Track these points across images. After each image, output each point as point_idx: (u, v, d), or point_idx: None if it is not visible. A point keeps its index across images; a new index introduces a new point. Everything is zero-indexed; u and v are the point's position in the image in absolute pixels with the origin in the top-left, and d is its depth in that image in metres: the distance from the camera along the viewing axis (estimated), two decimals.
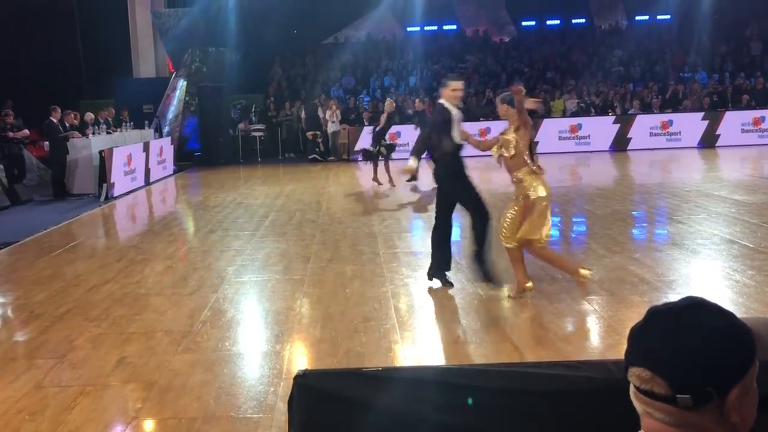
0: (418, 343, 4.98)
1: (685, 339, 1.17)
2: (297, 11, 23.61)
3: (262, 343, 5.11)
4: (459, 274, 6.75)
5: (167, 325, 5.54)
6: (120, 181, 13.72)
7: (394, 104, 14.09)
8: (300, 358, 4.80)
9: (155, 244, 8.89)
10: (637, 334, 1.28)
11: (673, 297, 5.69)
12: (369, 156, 13.81)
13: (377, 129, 13.68)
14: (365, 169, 17.36)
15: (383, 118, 13.64)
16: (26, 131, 13.72)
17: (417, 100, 14.94)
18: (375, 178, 13.81)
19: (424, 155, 6.93)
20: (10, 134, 13.29)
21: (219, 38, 21.04)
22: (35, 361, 4.86)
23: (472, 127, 19.44)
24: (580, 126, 19.38)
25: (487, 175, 15.87)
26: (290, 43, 25.18)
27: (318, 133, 19.81)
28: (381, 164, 13.72)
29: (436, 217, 6.41)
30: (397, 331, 5.17)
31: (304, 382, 1.88)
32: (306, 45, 25.20)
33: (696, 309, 1.23)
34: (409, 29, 25.67)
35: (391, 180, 13.52)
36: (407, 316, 5.56)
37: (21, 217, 11.63)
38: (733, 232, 8.03)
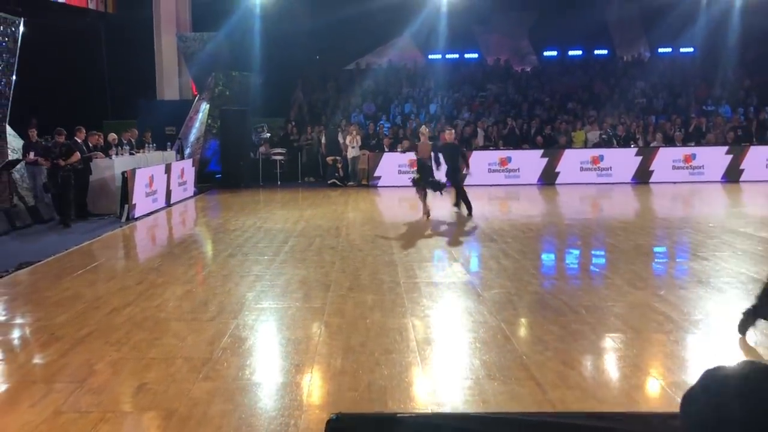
0: (441, 378, 4.90)
1: (750, 413, 1.11)
2: (320, 37, 23.90)
3: (282, 374, 5.05)
4: (481, 306, 6.68)
5: (187, 351, 5.51)
6: (141, 202, 13.81)
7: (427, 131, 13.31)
8: (320, 391, 4.74)
9: (175, 267, 8.90)
10: (693, 403, 1.21)
11: (701, 337, 5.61)
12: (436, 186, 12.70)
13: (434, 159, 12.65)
14: (384, 195, 17.39)
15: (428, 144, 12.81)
16: (77, 154, 13.02)
17: (447, 131, 13.56)
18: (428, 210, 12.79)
19: None
20: (62, 162, 12.68)
21: (243, 62, 21.28)
22: (55, 385, 4.84)
23: (492, 156, 19.47)
24: (601, 157, 19.30)
25: (506, 205, 15.82)
26: (312, 68, 25.44)
27: (338, 158, 19.89)
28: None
29: None
30: (419, 365, 5.10)
31: (337, 426, 1.84)
32: (328, 70, 25.45)
33: (759, 377, 1.17)
34: (430, 57, 25.84)
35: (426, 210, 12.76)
36: (429, 349, 5.49)
37: (43, 236, 11.71)
38: (760, 271, 7.88)
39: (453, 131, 13.68)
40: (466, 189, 13.41)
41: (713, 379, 1.22)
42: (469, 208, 13.11)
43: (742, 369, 1.19)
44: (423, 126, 14.43)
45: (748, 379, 1.17)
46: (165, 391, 4.67)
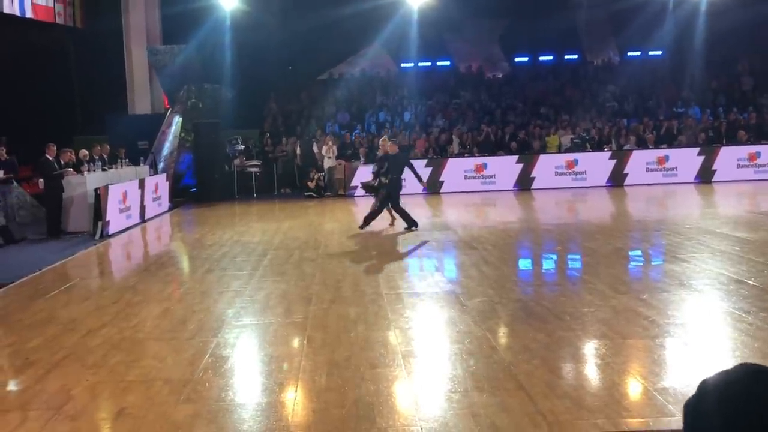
0: (428, 392, 4.82)
1: (750, 417, 1.10)
2: (292, 48, 23.79)
3: (265, 393, 4.93)
4: (465, 315, 6.61)
5: (167, 372, 5.37)
6: (115, 218, 13.57)
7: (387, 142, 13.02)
8: (305, 410, 4.63)
9: (152, 284, 8.73)
10: (693, 412, 1.22)
11: (686, 340, 5.58)
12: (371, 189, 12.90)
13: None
14: (362, 205, 17.27)
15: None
16: None
17: (390, 141, 13.12)
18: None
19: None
20: None
21: (215, 74, 21.09)
22: (30, 412, 4.67)
23: (468, 163, 19.49)
24: (576, 161, 19.39)
25: (484, 212, 15.82)
26: (285, 79, 25.31)
27: (320, 174, 19.56)
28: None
29: None
30: (406, 379, 5.01)
31: None
32: (301, 81, 25.33)
33: (755, 380, 1.17)
34: (403, 65, 25.85)
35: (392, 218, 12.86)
36: (415, 362, 5.41)
37: (15, 256, 11.42)
38: (739, 272, 7.93)
39: (394, 140, 13.39)
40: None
41: (712, 388, 1.23)
42: (373, 219, 12.53)
43: (734, 375, 1.19)
44: (384, 137, 14.35)
45: (744, 382, 1.17)
46: (145, 416, 4.53)
